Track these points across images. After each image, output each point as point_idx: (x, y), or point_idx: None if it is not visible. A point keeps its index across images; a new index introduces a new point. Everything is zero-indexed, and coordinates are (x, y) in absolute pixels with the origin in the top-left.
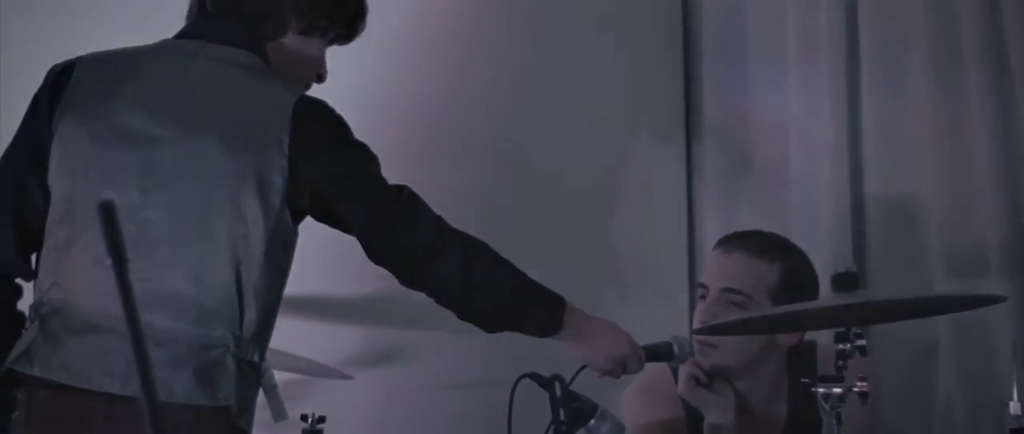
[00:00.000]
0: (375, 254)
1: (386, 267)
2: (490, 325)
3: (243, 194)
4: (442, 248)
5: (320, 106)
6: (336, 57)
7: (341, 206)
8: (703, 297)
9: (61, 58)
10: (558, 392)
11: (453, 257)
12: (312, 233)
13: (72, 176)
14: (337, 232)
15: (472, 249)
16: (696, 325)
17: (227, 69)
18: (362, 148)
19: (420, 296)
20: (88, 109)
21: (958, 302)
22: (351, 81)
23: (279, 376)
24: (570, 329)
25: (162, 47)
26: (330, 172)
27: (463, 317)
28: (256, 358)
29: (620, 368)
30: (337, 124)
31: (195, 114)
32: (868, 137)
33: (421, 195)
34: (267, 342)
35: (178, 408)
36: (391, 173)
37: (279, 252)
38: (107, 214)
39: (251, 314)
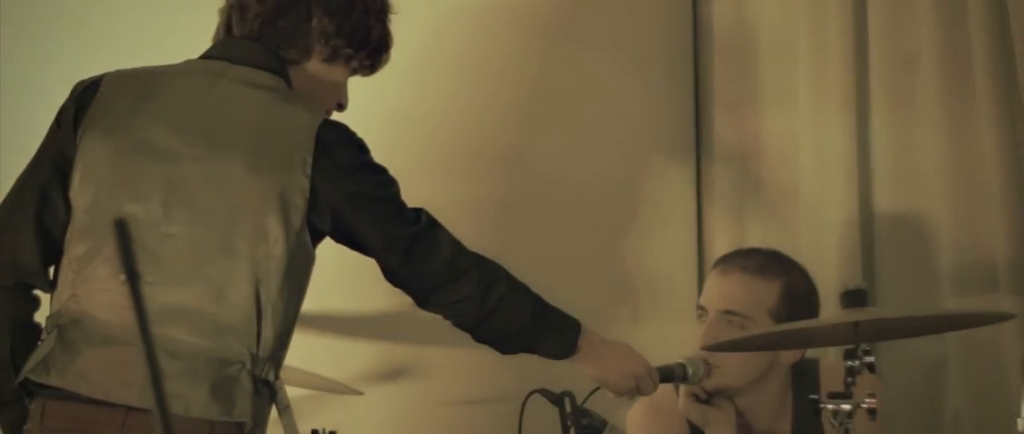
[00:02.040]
0: (393, 276)
1: (403, 289)
2: (506, 348)
3: (265, 214)
4: (458, 272)
5: (343, 130)
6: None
7: (361, 229)
8: (702, 316)
9: (73, 76)
10: (568, 408)
11: (470, 281)
12: (323, 249)
13: (95, 189)
14: (348, 249)
15: (489, 273)
16: (698, 346)
17: (251, 90)
18: (382, 172)
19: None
20: (114, 123)
21: (967, 319)
22: (366, 99)
23: (290, 392)
24: (585, 352)
25: (188, 66)
26: (351, 195)
27: (479, 340)
28: (271, 376)
29: (634, 390)
30: (359, 148)
31: (219, 133)
32: (878, 154)
33: (433, 211)
34: (282, 361)
35: (193, 422)
36: (404, 190)
37: (298, 273)
38: (121, 230)
39: (268, 333)
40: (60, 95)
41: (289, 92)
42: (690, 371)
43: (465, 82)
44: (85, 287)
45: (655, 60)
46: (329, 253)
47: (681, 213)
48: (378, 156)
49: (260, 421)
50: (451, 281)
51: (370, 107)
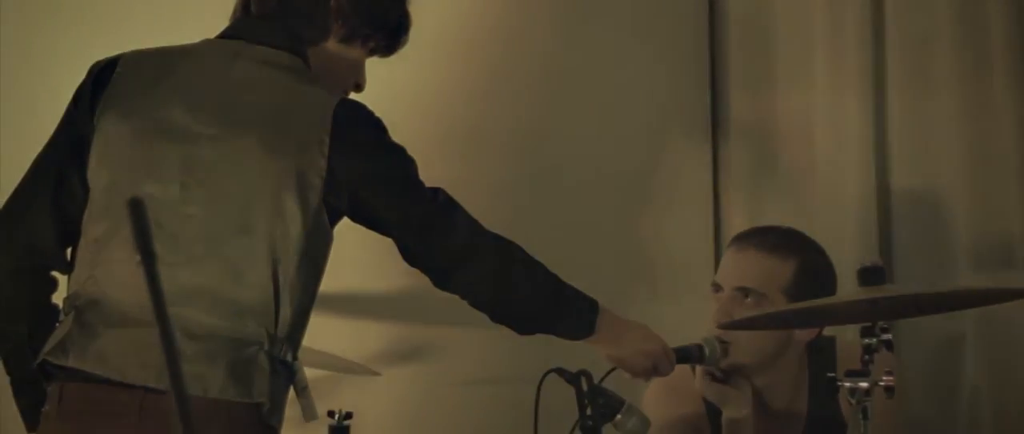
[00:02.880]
0: (410, 256)
1: (421, 269)
2: (523, 328)
3: (283, 193)
4: (476, 252)
5: (360, 109)
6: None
7: (378, 209)
8: (718, 294)
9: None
10: (585, 387)
11: (487, 261)
12: (340, 229)
13: (112, 169)
14: (365, 229)
15: (506, 253)
16: (712, 324)
17: (268, 70)
18: (400, 152)
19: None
20: (131, 104)
21: (984, 296)
22: (386, 80)
23: (308, 373)
24: (603, 332)
25: (205, 46)
26: (368, 175)
27: (496, 320)
28: (289, 357)
29: (651, 371)
30: (376, 128)
31: (236, 113)
32: (894, 131)
33: (452, 192)
34: (300, 342)
35: (211, 403)
36: (423, 172)
37: (316, 252)
38: (137, 210)
39: (286, 313)
40: (64, 79)
41: (307, 72)
42: (707, 351)
43: (481, 62)
44: (103, 268)
45: (671, 39)
46: (347, 233)
47: (697, 191)
48: (394, 136)
49: (278, 402)
50: (468, 261)
51: (385, 86)
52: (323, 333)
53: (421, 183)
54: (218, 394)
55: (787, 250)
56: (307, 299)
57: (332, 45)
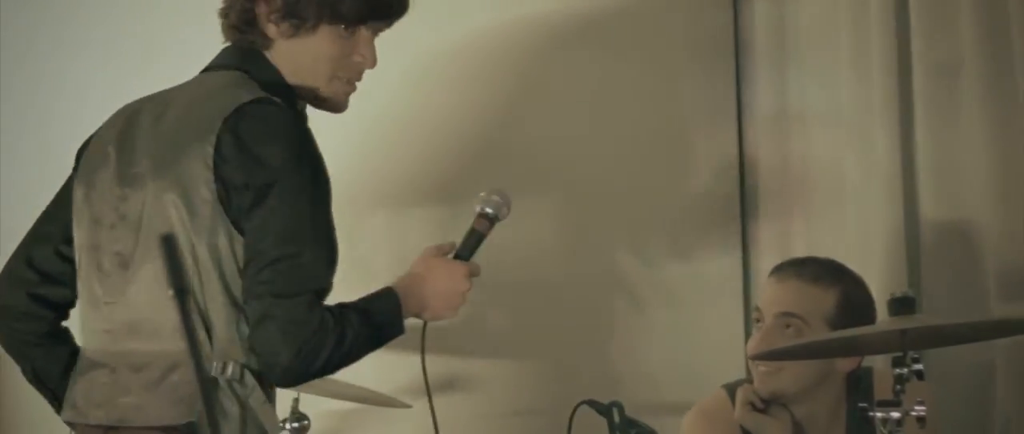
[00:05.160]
0: (242, 293)
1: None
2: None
3: (177, 213)
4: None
5: (255, 117)
6: (405, 74)
7: (244, 223)
8: (759, 322)
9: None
10: (616, 419)
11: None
12: (371, 260)
13: (78, 226)
14: (393, 260)
15: (333, 332)
16: (751, 352)
17: (208, 94)
18: (297, 178)
19: (479, 324)
20: (91, 164)
21: (1015, 325)
22: (402, 102)
23: (338, 405)
24: (408, 306)
25: (179, 86)
26: (243, 187)
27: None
28: (232, 374)
29: (461, 299)
30: (270, 137)
31: (165, 146)
32: (922, 161)
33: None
34: (247, 357)
35: (150, 431)
36: (457, 193)
37: (232, 267)
38: (168, 246)
39: (220, 332)
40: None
41: (242, 81)
42: (490, 211)
43: (510, 89)
44: (81, 320)
45: (696, 61)
46: (377, 261)
47: (725, 221)
48: (420, 153)
49: (230, 418)
50: (279, 353)
51: (411, 111)
52: (354, 366)
53: (300, 236)
54: (157, 421)
55: (828, 280)
56: (231, 315)
57: (285, 44)
